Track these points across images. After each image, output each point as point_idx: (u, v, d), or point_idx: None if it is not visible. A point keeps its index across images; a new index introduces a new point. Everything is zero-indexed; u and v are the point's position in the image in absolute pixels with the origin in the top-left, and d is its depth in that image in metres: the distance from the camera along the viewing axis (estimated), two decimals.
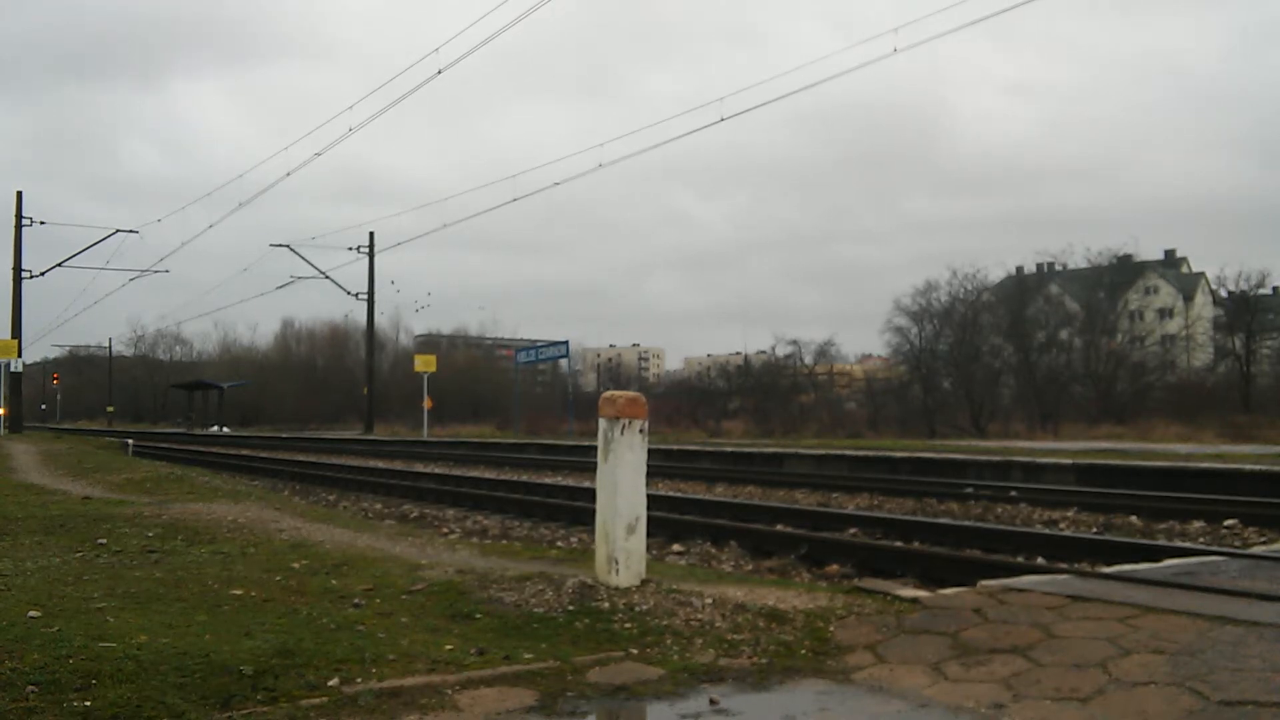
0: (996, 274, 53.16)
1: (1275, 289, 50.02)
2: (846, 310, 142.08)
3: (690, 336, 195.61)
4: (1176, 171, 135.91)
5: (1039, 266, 55.00)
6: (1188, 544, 8.30)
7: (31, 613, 4.50)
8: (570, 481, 16.15)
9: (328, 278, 45.45)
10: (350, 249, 46.03)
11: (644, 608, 4.60)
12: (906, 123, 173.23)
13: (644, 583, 4.97)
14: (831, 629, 4.38)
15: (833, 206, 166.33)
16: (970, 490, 13.12)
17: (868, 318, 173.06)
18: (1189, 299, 66.94)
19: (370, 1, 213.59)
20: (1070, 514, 11.09)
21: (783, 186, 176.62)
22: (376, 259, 46.25)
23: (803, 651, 4.09)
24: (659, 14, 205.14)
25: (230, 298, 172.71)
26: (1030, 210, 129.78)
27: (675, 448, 23.07)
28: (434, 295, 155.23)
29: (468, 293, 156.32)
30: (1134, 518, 10.47)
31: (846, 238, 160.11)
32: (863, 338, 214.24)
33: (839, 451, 19.68)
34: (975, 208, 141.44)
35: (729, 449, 22.48)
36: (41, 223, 41.75)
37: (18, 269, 40.46)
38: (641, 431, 5.07)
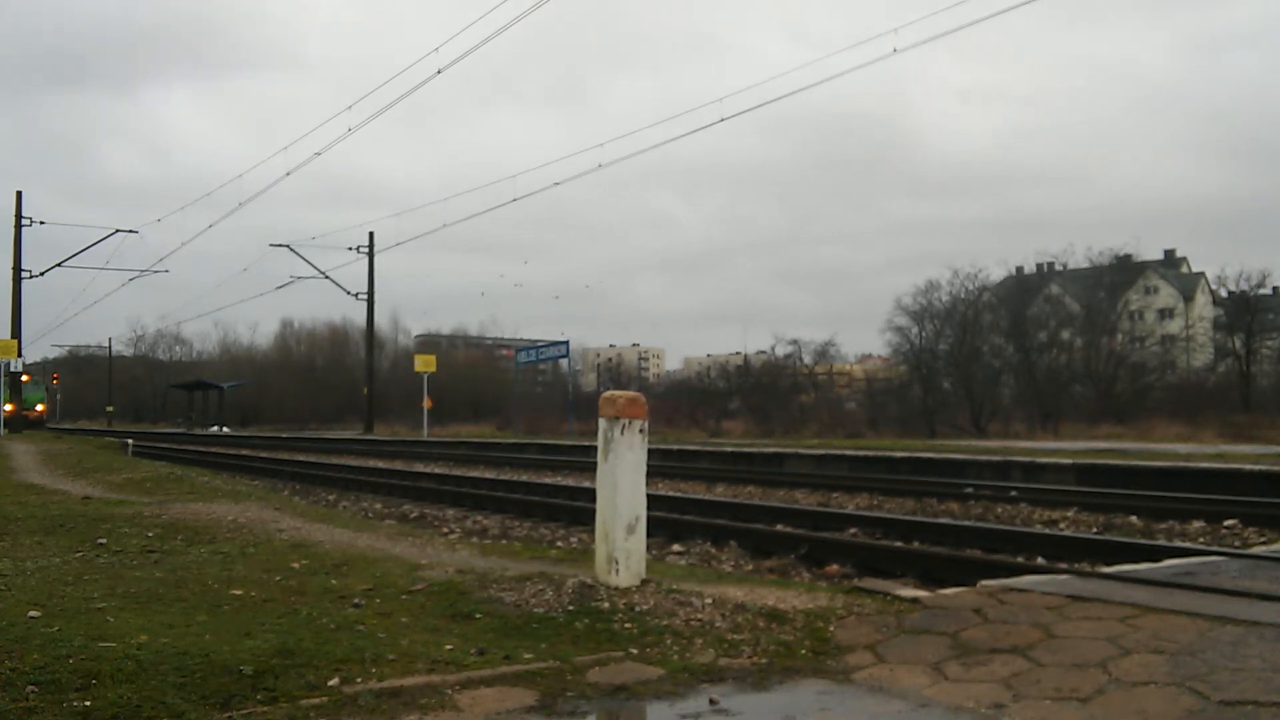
0: (998, 274, 53.16)
1: (1275, 289, 50.02)
2: (832, 311, 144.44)
3: (690, 336, 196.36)
4: (1145, 174, 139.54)
5: (1039, 266, 55.08)
6: (1188, 544, 8.30)
7: (31, 613, 4.50)
8: (570, 481, 16.14)
9: (327, 278, 45.50)
10: (350, 249, 46.13)
11: (644, 608, 4.60)
12: (884, 128, 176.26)
13: (644, 583, 4.97)
14: (831, 629, 4.37)
15: (813, 210, 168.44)
16: (970, 490, 13.12)
17: (866, 318, 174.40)
18: (1189, 299, 67.04)
19: (343, 15, 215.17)
20: (1070, 514, 11.09)
21: (761, 191, 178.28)
22: (375, 260, 46.35)
23: (803, 651, 4.09)
24: (631, 24, 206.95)
25: (230, 298, 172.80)
26: (1011, 213, 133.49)
27: (675, 448, 23.06)
28: (431, 297, 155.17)
29: (467, 294, 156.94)
30: (1134, 518, 10.47)
31: (829, 240, 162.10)
32: (863, 338, 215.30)
33: (839, 451, 19.67)
34: (956, 210, 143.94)
35: (729, 449, 22.48)
36: (41, 223, 41.86)
37: (17, 269, 40.49)
38: (641, 431, 5.07)
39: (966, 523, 10.04)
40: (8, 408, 41.11)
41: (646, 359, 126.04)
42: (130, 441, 29.11)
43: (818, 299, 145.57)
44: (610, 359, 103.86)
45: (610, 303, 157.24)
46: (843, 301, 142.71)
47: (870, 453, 18.88)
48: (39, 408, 67.96)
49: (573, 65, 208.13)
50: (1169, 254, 76.61)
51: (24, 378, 65.19)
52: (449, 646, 4.04)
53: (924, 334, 47.56)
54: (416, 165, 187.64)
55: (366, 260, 46.26)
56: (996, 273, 52.71)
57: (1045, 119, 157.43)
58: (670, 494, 13.45)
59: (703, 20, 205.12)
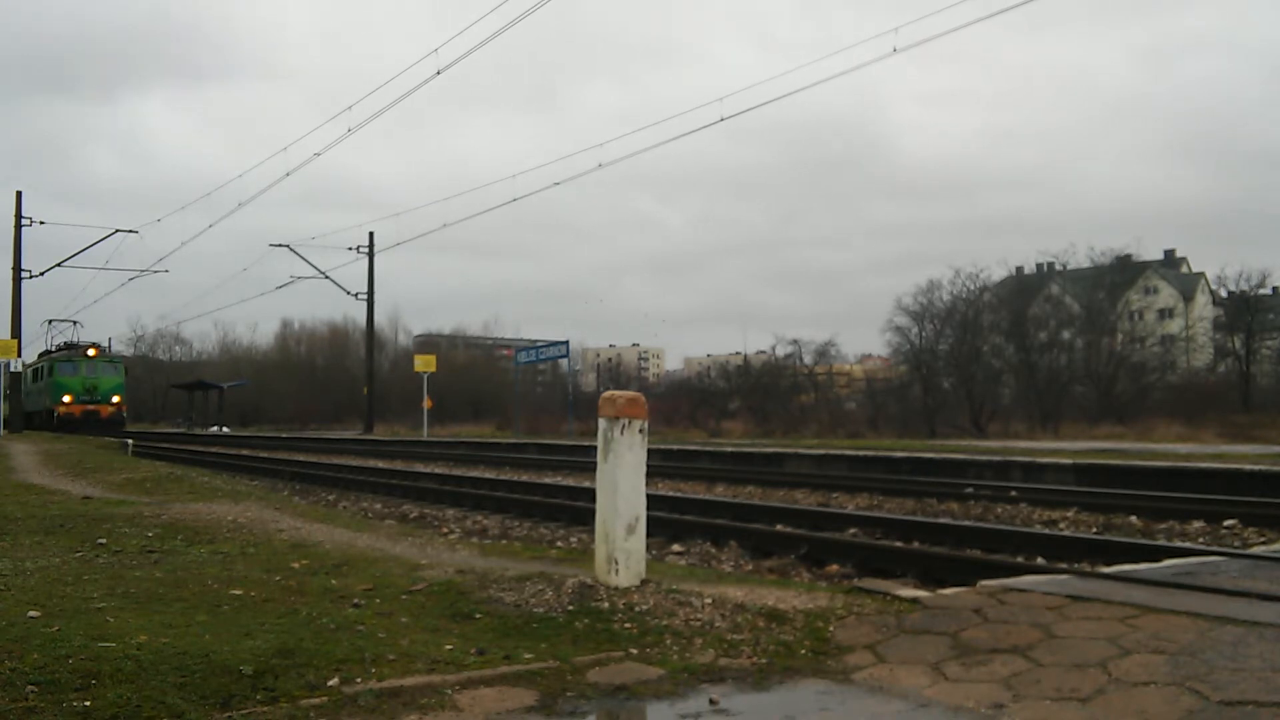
0: (998, 274, 53.15)
1: (1275, 289, 50.04)
2: (822, 311, 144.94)
3: (690, 337, 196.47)
4: (1130, 176, 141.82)
5: (1039, 266, 55.09)
6: (1188, 544, 8.30)
7: (31, 613, 4.50)
8: (570, 481, 16.14)
9: (327, 278, 45.54)
10: (350, 249, 46.16)
11: (644, 608, 4.60)
12: (859, 133, 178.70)
13: (644, 583, 4.97)
14: (831, 629, 4.37)
15: (795, 213, 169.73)
16: (970, 490, 13.11)
17: (863, 319, 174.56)
18: (1189, 299, 67.09)
19: (325, 24, 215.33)
20: (1070, 514, 11.09)
21: (743, 194, 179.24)
22: (375, 260, 46.37)
23: (803, 651, 4.09)
24: (601, 32, 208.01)
25: (230, 298, 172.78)
26: (993, 215, 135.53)
27: (675, 448, 23.06)
28: (431, 298, 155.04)
29: (466, 295, 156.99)
30: (1134, 518, 10.47)
31: (812, 242, 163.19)
32: (863, 338, 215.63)
33: (839, 451, 19.67)
34: (936, 213, 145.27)
35: (729, 449, 22.47)
36: (41, 223, 41.81)
37: (17, 269, 40.48)
38: (641, 431, 5.07)
39: (966, 523, 10.04)
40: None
41: (646, 359, 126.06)
42: (130, 441, 29.14)
43: (806, 300, 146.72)
44: (610, 359, 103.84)
45: (609, 304, 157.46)
46: (831, 302, 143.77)
47: (870, 453, 18.88)
48: (115, 399, 50.35)
49: (545, 73, 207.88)
50: (1169, 254, 76.69)
51: (90, 351, 50.06)
52: (449, 646, 4.04)
53: (924, 334, 47.56)
54: (405, 169, 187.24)
55: (366, 260, 46.34)
56: (997, 273, 52.73)
57: (1018, 125, 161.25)
58: (670, 494, 13.45)
59: (673, 28, 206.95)
